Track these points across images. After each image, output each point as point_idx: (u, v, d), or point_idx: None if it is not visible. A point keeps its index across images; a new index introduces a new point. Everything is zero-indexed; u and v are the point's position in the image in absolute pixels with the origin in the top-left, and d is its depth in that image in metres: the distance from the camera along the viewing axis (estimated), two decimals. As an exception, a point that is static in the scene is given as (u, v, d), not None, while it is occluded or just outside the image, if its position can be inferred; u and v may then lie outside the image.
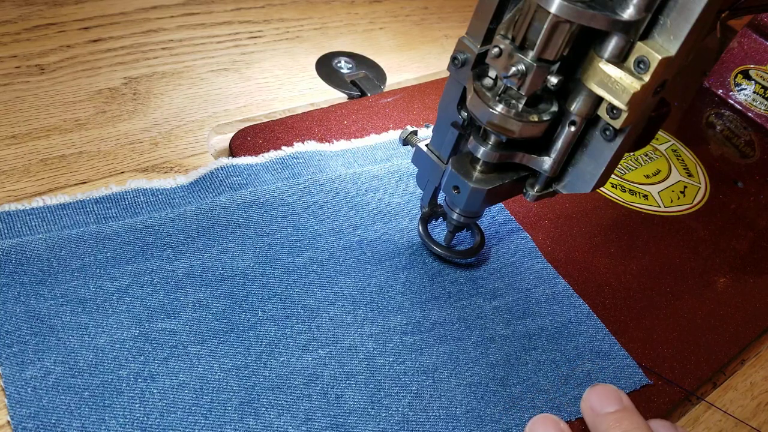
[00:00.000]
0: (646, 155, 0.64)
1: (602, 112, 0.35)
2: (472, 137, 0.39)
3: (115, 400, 0.35)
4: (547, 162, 0.39)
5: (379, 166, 0.51)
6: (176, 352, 0.37)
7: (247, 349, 0.38)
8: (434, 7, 0.74)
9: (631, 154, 0.63)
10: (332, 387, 0.38)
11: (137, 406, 0.35)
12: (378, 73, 0.62)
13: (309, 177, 0.49)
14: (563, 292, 0.47)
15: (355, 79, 0.60)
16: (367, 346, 0.40)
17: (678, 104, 0.73)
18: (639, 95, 0.33)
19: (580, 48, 0.34)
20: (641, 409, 0.41)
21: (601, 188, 0.58)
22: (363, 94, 0.59)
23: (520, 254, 0.49)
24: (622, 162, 0.61)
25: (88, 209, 0.43)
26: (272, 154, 0.50)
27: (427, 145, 0.43)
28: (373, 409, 0.38)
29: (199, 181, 0.46)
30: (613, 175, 0.57)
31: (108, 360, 0.36)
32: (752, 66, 0.72)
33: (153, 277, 0.40)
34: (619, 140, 0.36)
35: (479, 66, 0.37)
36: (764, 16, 0.70)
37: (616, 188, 0.58)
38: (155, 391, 0.35)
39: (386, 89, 0.61)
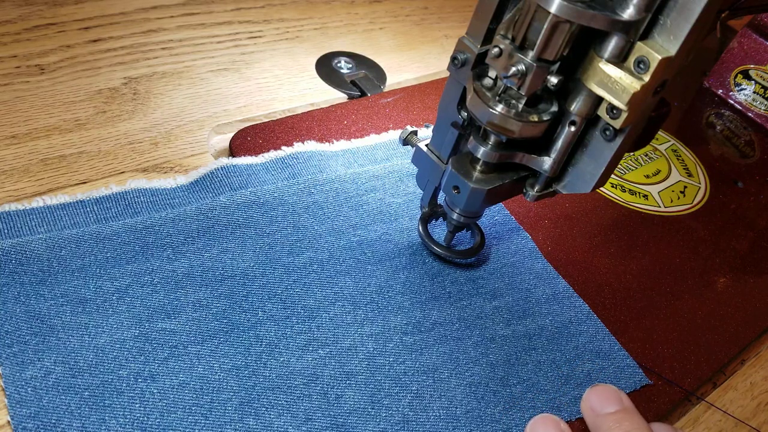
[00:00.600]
0: (646, 155, 0.64)
1: (602, 112, 0.35)
2: (472, 137, 0.39)
3: (116, 400, 0.35)
4: (547, 162, 0.39)
5: (379, 166, 0.51)
6: (176, 352, 0.37)
7: (247, 349, 0.38)
8: (434, 7, 0.74)
9: (631, 154, 0.63)
10: (332, 387, 0.38)
11: (137, 406, 0.35)
12: (378, 73, 0.62)
13: (309, 177, 0.49)
14: (563, 292, 0.47)
15: (355, 79, 0.60)
16: (367, 346, 0.40)
17: (678, 104, 0.73)
18: (639, 95, 0.33)
19: (580, 48, 0.34)
20: (641, 409, 0.41)
21: (601, 188, 0.58)
22: (363, 94, 0.59)
23: (520, 254, 0.49)
24: (622, 162, 0.61)
25: (88, 209, 0.43)
26: (272, 154, 0.50)
27: (427, 145, 0.43)
28: (373, 409, 0.38)
29: (199, 181, 0.46)
30: (613, 175, 0.57)
31: (108, 360, 0.36)
32: (752, 66, 0.72)
33: (153, 277, 0.40)
34: (619, 140, 0.36)
35: (479, 66, 0.37)
36: (764, 16, 0.70)
37: (616, 188, 0.58)
38: (155, 391, 0.35)
39: (386, 89, 0.61)
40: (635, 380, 0.43)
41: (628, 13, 0.32)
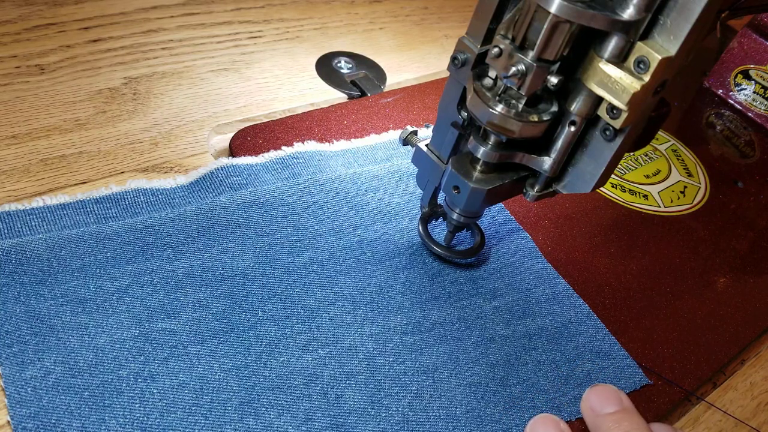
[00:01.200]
0: (646, 155, 0.64)
1: (602, 112, 0.35)
2: (472, 137, 0.39)
3: (115, 400, 0.35)
4: (547, 162, 0.39)
5: (379, 166, 0.51)
6: (176, 352, 0.37)
7: (247, 349, 0.38)
8: (434, 7, 0.74)
9: (631, 154, 0.63)
10: (332, 387, 0.38)
11: (137, 406, 0.35)
12: (378, 73, 0.62)
13: (309, 177, 0.49)
14: (563, 292, 0.47)
15: (355, 79, 0.60)
16: (367, 346, 0.40)
17: (678, 104, 0.73)
18: (639, 95, 0.33)
19: (580, 48, 0.34)
20: (641, 409, 0.42)
21: (601, 188, 0.58)
22: (363, 94, 0.59)
23: (520, 254, 0.49)
24: (622, 162, 0.61)
25: (88, 209, 0.43)
26: (272, 154, 0.50)
27: (427, 145, 0.43)
28: (373, 409, 0.38)
29: (199, 181, 0.46)
30: (613, 175, 0.57)
31: (108, 360, 0.36)
32: (752, 66, 0.72)
33: (153, 277, 0.40)
34: (619, 140, 0.36)
35: (479, 66, 0.37)
36: (764, 16, 0.70)
37: (616, 188, 0.58)
38: (155, 391, 0.35)
39: (386, 89, 0.61)
40: (635, 380, 0.43)
41: (628, 13, 0.32)
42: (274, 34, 0.63)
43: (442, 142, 0.42)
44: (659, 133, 0.66)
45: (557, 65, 0.34)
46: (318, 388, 0.38)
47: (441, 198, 0.45)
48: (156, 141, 0.49)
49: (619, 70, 0.33)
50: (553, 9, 0.31)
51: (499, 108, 0.36)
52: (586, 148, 0.38)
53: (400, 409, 0.38)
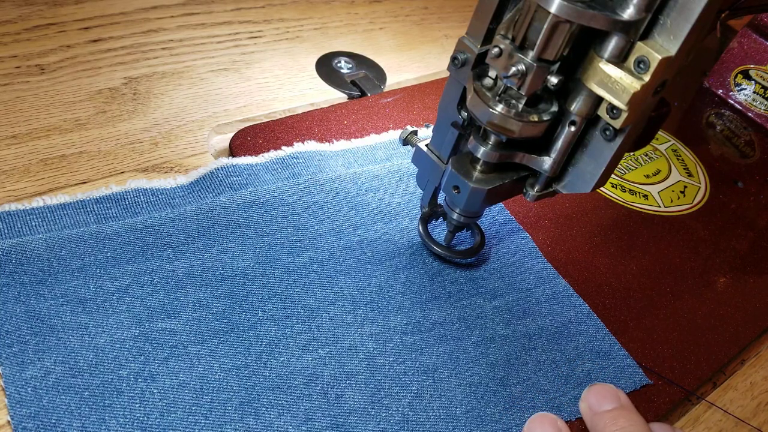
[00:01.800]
0: (646, 155, 0.64)
1: (602, 112, 0.35)
2: (472, 137, 0.39)
3: (116, 400, 0.35)
4: (547, 162, 0.39)
5: (379, 166, 0.51)
6: (176, 352, 0.37)
7: (247, 349, 0.38)
8: (434, 7, 0.74)
9: (631, 154, 0.63)
10: (332, 387, 0.38)
11: (137, 406, 0.35)
12: (378, 73, 0.62)
13: (309, 177, 0.49)
14: (563, 292, 0.47)
15: (355, 79, 0.60)
16: (367, 345, 0.40)
17: (678, 104, 0.73)
18: (639, 95, 0.33)
19: (580, 48, 0.34)
20: (641, 409, 0.42)
21: (601, 188, 0.58)
22: (363, 94, 0.59)
23: (520, 254, 0.49)
24: (622, 162, 0.61)
25: (88, 209, 0.43)
26: (272, 154, 0.50)
27: (427, 145, 0.43)
28: (373, 408, 0.38)
29: (199, 181, 0.46)
30: (613, 175, 0.57)
31: (108, 360, 0.36)
32: (752, 66, 0.72)
33: (153, 277, 0.40)
34: (619, 140, 0.36)
35: (479, 66, 0.37)
36: (764, 16, 0.70)
37: (616, 188, 0.58)
38: (155, 391, 0.35)
39: (386, 89, 0.61)
40: (635, 380, 0.43)
41: (628, 13, 0.32)
42: (274, 34, 0.63)
43: (442, 142, 0.42)
44: (659, 133, 0.66)
45: (557, 65, 0.34)
46: (318, 388, 0.38)
47: (441, 198, 0.45)
48: (156, 141, 0.49)
49: (619, 70, 0.33)
50: (553, 9, 0.31)
51: (499, 108, 0.36)
52: (586, 148, 0.38)
53: (400, 409, 0.38)
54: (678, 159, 0.64)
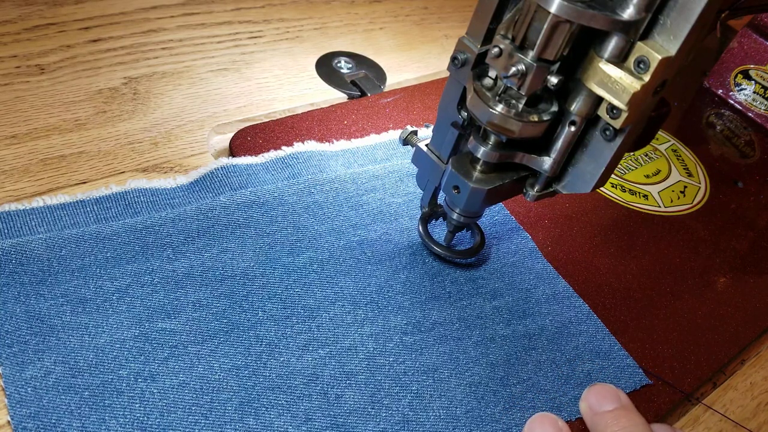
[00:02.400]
0: (646, 155, 0.64)
1: (602, 112, 0.35)
2: (472, 137, 0.39)
3: (115, 400, 0.35)
4: (547, 162, 0.39)
5: (379, 166, 0.51)
6: (176, 352, 0.37)
7: (247, 349, 0.38)
8: (434, 7, 0.74)
9: (631, 154, 0.63)
10: (332, 387, 0.38)
11: (137, 406, 0.35)
12: (378, 73, 0.62)
13: (309, 177, 0.49)
14: (563, 292, 0.47)
15: (355, 79, 0.60)
16: (367, 346, 0.40)
17: (678, 104, 0.73)
18: (639, 95, 0.33)
19: (580, 48, 0.34)
20: (641, 409, 0.41)
21: (601, 188, 0.58)
22: (363, 94, 0.59)
23: (520, 254, 0.49)
24: (622, 162, 0.61)
25: (88, 209, 0.43)
26: (272, 154, 0.50)
27: (427, 145, 0.43)
28: (373, 409, 0.38)
29: (199, 181, 0.46)
30: (613, 175, 0.57)
31: (108, 360, 0.36)
32: (752, 66, 0.72)
33: (153, 277, 0.40)
34: (619, 140, 0.36)
35: (479, 66, 0.37)
36: (764, 16, 0.70)
37: (616, 188, 0.58)
38: (155, 391, 0.35)
39: (386, 89, 0.61)
40: (635, 380, 0.43)
41: (628, 13, 0.32)
42: (274, 34, 0.63)
43: (442, 142, 0.42)
44: (659, 133, 0.66)
45: (557, 65, 0.34)
46: (318, 388, 0.38)
47: (441, 198, 0.45)
48: (156, 141, 0.49)
49: (619, 70, 0.33)
50: (553, 9, 0.31)
51: (499, 108, 0.36)
52: (586, 148, 0.38)
53: (400, 409, 0.38)
54: (678, 159, 0.64)
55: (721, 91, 0.75)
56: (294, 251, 0.44)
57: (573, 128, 0.37)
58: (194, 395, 0.36)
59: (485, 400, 0.40)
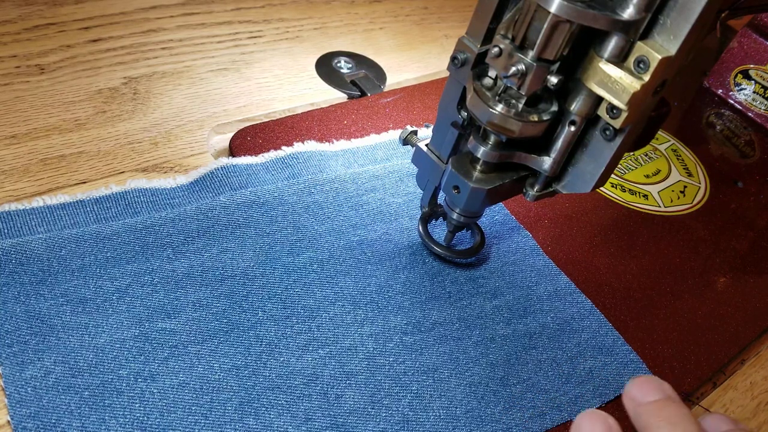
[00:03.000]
0: (646, 155, 0.64)
1: (602, 111, 0.35)
2: (472, 137, 0.39)
3: (115, 399, 0.35)
4: (547, 162, 0.39)
5: (379, 166, 0.51)
6: (176, 352, 0.37)
7: (247, 348, 0.38)
8: (434, 7, 0.74)
9: (631, 154, 0.63)
10: (332, 387, 0.38)
11: (137, 405, 0.35)
12: (378, 73, 0.62)
13: (309, 177, 0.49)
14: (565, 289, 0.47)
15: (355, 79, 0.60)
16: (367, 345, 0.40)
17: (678, 104, 0.73)
18: (639, 95, 0.33)
19: (580, 48, 0.34)
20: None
21: (601, 188, 0.58)
22: (363, 94, 0.59)
23: (520, 252, 0.49)
24: (622, 162, 0.61)
25: (88, 209, 0.43)
26: (272, 154, 0.50)
27: (427, 145, 0.43)
28: (373, 409, 0.38)
29: (199, 181, 0.46)
30: (613, 175, 0.57)
31: (108, 360, 0.36)
32: (752, 66, 0.72)
33: (153, 276, 0.40)
34: (619, 140, 0.36)
35: (479, 66, 0.37)
36: (764, 16, 0.70)
37: (616, 188, 0.58)
38: (155, 390, 0.35)
39: (386, 89, 0.61)
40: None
41: (628, 13, 0.32)
42: (274, 34, 0.63)
43: (442, 142, 0.42)
44: (659, 133, 0.66)
45: (557, 65, 0.34)
46: (318, 388, 0.38)
47: (441, 198, 0.45)
48: (156, 141, 0.49)
49: (619, 70, 0.33)
50: (553, 9, 0.31)
51: (499, 108, 0.36)
52: (586, 147, 0.38)
53: (400, 409, 0.38)
54: (678, 159, 0.64)
55: (721, 91, 0.75)
56: (294, 251, 0.44)
57: (573, 128, 0.37)
58: (194, 395, 0.36)
59: (485, 400, 0.40)
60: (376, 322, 0.42)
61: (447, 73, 0.40)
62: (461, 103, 0.40)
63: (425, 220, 0.47)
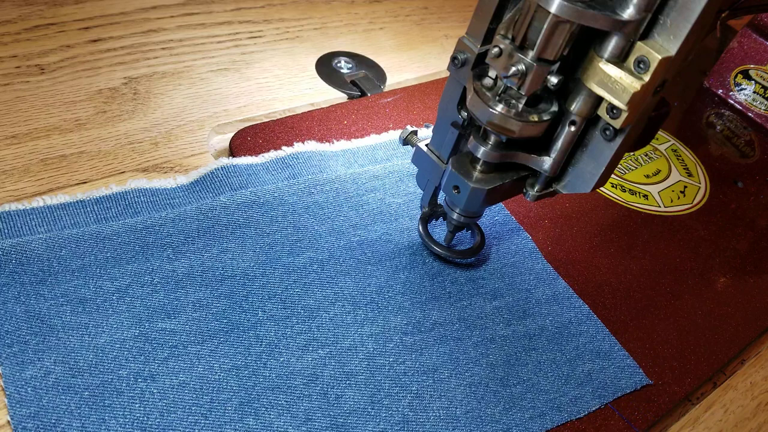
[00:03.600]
0: (646, 155, 0.64)
1: (602, 111, 0.35)
2: (472, 137, 0.39)
3: (115, 400, 0.35)
4: (547, 162, 0.39)
5: (379, 166, 0.51)
6: (176, 352, 0.37)
7: (247, 349, 0.38)
8: (434, 7, 0.74)
9: (631, 154, 0.63)
10: (332, 387, 0.38)
11: (137, 406, 0.35)
12: (378, 73, 0.62)
13: (309, 177, 0.49)
14: (563, 293, 0.47)
15: (355, 79, 0.60)
16: (367, 346, 0.40)
17: (678, 104, 0.73)
18: (639, 95, 0.33)
19: (580, 48, 0.34)
20: (642, 409, 0.42)
21: (601, 188, 0.58)
22: (363, 94, 0.59)
23: (520, 254, 0.49)
24: (622, 162, 0.61)
25: (88, 209, 0.43)
26: (272, 154, 0.50)
27: (427, 145, 0.43)
28: (373, 409, 0.38)
29: (199, 181, 0.46)
30: (613, 175, 0.57)
31: (108, 360, 0.36)
32: (752, 66, 0.72)
33: (153, 277, 0.40)
34: (619, 140, 0.36)
35: (479, 66, 0.37)
36: (764, 16, 0.70)
37: (616, 188, 0.58)
38: (155, 391, 0.35)
39: (386, 89, 0.61)
40: (635, 380, 0.43)
41: (628, 13, 0.32)
42: (274, 34, 0.63)
43: (442, 142, 0.42)
44: (659, 133, 0.66)
45: (557, 65, 0.34)
46: (318, 388, 0.38)
47: (441, 198, 0.45)
48: (156, 141, 0.49)
49: (619, 70, 0.33)
50: (553, 9, 0.31)
51: (499, 108, 0.36)
52: (586, 147, 0.38)
53: (400, 409, 0.38)
54: (678, 159, 0.64)
55: (721, 91, 0.75)
56: (294, 251, 0.44)
57: (573, 128, 0.37)
58: (194, 395, 0.36)
59: (485, 401, 0.40)
60: (376, 322, 0.42)
61: (447, 73, 0.40)
62: (461, 103, 0.40)
63: (425, 220, 0.47)
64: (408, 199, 0.50)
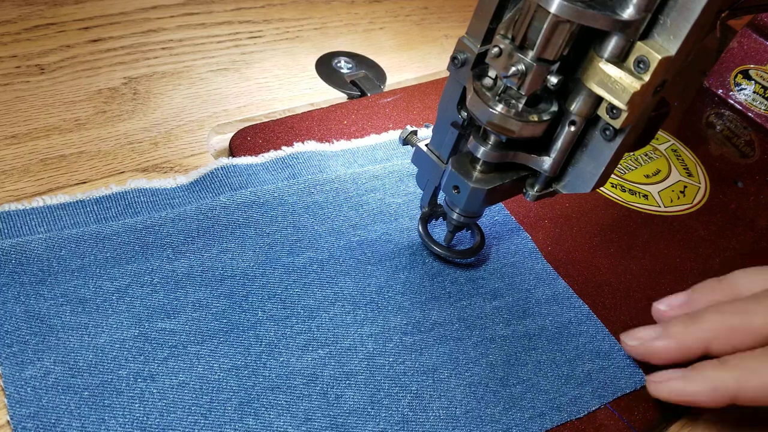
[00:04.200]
0: (646, 155, 0.64)
1: (602, 111, 0.35)
2: (471, 137, 0.39)
3: (115, 400, 0.35)
4: (547, 162, 0.39)
5: (379, 166, 0.51)
6: (176, 352, 0.37)
7: (247, 349, 0.38)
8: (434, 7, 0.74)
9: (631, 154, 0.63)
10: (332, 387, 0.38)
11: (137, 406, 0.35)
12: (378, 73, 0.62)
13: (309, 177, 0.49)
14: (563, 293, 0.47)
15: (355, 79, 0.60)
16: (366, 346, 0.40)
17: (678, 104, 0.73)
18: (639, 95, 0.33)
19: (580, 48, 0.34)
20: (641, 410, 0.42)
21: (601, 188, 0.58)
22: (363, 94, 0.59)
23: (520, 254, 0.49)
24: (622, 162, 0.61)
25: (88, 209, 0.43)
26: (272, 154, 0.50)
27: (427, 145, 0.43)
28: (372, 409, 0.38)
29: (199, 181, 0.46)
30: (613, 175, 0.57)
31: (108, 360, 0.36)
32: (752, 66, 0.72)
33: (153, 277, 0.40)
34: (619, 140, 0.36)
35: (479, 66, 0.37)
36: (764, 16, 0.70)
37: (616, 188, 0.58)
38: (155, 391, 0.35)
39: (386, 89, 0.61)
40: (635, 380, 0.43)
41: (628, 13, 0.32)
42: (274, 34, 0.63)
43: (442, 142, 0.42)
44: (659, 133, 0.66)
45: (557, 65, 0.34)
46: (318, 388, 0.38)
47: (441, 198, 0.45)
48: (156, 141, 0.49)
49: (619, 70, 0.33)
50: (553, 9, 0.31)
51: (499, 108, 0.36)
52: (586, 147, 0.38)
53: (399, 409, 0.38)
54: (678, 159, 0.64)
55: (721, 91, 0.75)
56: (294, 251, 0.44)
57: (573, 128, 0.37)
58: (194, 395, 0.36)
59: (485, 401, 0.40)
60: (375, 322, 0.42)
61: (447, 73, 0.40)
62: (461, 103, 0.40)
63: (425, 220, 0.47)
64: (408, 199, 0.50)
